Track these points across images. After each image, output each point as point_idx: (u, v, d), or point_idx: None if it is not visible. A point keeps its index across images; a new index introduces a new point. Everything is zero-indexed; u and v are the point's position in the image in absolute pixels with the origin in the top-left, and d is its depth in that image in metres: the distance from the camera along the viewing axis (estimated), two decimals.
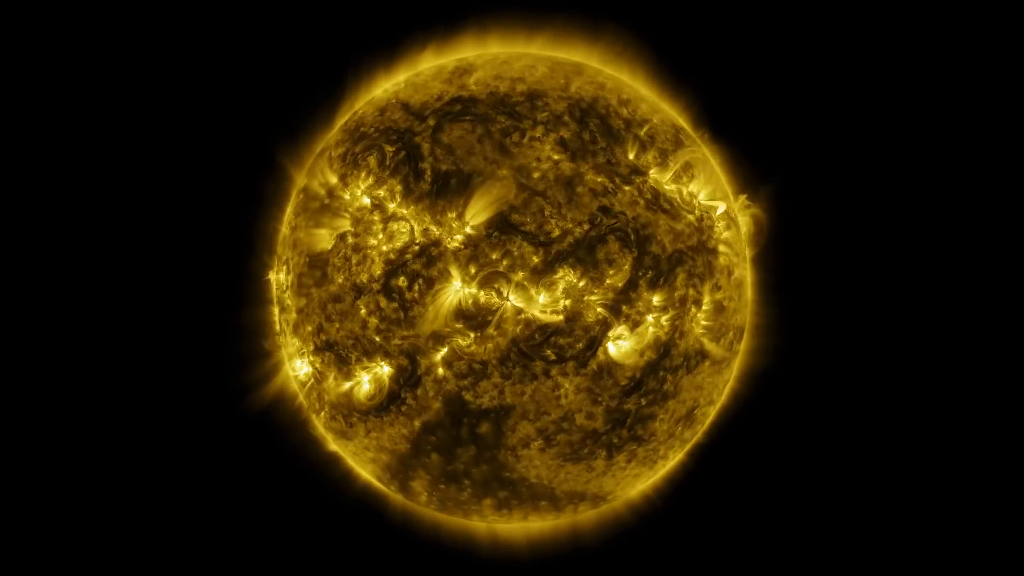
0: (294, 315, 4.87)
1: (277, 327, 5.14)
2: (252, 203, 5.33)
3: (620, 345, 4.60)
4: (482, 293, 4.43)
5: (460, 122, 4.66)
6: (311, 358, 4.83)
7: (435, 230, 4.48)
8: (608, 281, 4.49)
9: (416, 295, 4.46)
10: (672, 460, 5.29)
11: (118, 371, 5.49)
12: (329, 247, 4.69)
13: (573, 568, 5.42)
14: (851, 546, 5.40)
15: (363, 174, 4.67)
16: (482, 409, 4.57)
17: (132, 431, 5.52)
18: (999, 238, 5.42)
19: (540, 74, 4.96)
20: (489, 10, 5.33)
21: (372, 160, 4.67)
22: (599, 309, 4.50)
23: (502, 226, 4.44)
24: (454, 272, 4.43)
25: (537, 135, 4.64)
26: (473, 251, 4.43)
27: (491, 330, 4.43)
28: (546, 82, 4.90)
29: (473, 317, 4.43)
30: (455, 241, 4.46)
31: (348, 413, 4.83)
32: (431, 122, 4.69)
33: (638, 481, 5.28)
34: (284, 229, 5.06)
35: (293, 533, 5.69)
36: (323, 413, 5.00)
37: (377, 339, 4.55)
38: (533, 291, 4.44)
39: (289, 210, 5.10)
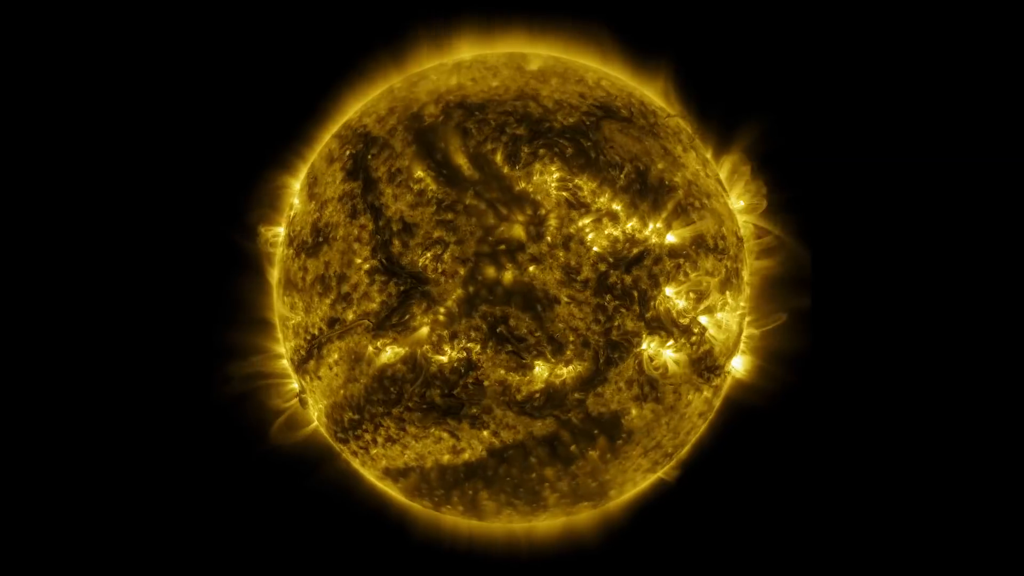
0: (452, 302, 4.42)
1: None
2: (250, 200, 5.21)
3: (735, 366, 5.09)
4: (684, 305, 4.58)
5: (622, 124, 4.72)
6: (471, 346, 4.42)
7: (643, 235, 4.51)
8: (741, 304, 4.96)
9: (628, 297, 4.46)
10: None
11: (123, 372, 5.43)
12: (522, 238, 4.40)
13: (573, 568, 5.47)
14: (850, 548, 5.53)
15: (550, 167, 4.49)
16: (626, 426, 4.66)
17: (135, 433, 5.48)
18: (1008, 247, 5.36)
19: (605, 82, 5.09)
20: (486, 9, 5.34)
21: (555, 156, 4.50)
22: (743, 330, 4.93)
23: (699, 242, 4.66)
24: (665, 281, 4.53)
25: (682, 148, 4.90)
26: (683, 262, 4.57)
27: (689, 343, 4.60)
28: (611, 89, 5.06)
29: (671, 329, 4.58)
30: (661, 248, 4.54)
31: (497, 405, 4.51)
32: (590, 122, 4.65)
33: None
34: (405, 210, 4.52)
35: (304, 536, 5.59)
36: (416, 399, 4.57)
37: (579, 337, 4.42)
38: (719, 308, 4.69)
39: (407, 193, 4.58)
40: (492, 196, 4.43)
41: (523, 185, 4.45)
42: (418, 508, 5.26)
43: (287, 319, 4.97)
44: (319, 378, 4.88)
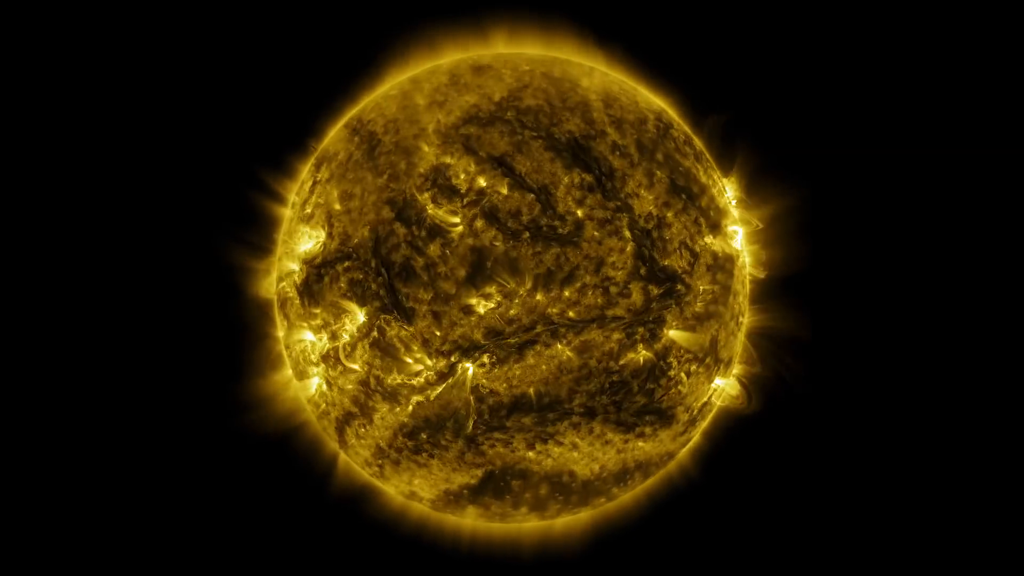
0: (697, 305, 4.40)
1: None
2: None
3: None
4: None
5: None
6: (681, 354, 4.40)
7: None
8: None
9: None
10: None
11: (138, 372, 5.36)
12: (732, 252, 4.60)
13: (572, 568, 5.31)
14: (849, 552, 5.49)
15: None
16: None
17: (142, 434, 5.40)
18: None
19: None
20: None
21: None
22: None
23: None
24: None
25: None
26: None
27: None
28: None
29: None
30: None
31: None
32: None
33: None
34: (655, 210, 4.35)
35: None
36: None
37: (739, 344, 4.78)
38: None
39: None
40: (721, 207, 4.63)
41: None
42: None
43: (477, 302, 4.28)
44: (507, 373, 4.31)
